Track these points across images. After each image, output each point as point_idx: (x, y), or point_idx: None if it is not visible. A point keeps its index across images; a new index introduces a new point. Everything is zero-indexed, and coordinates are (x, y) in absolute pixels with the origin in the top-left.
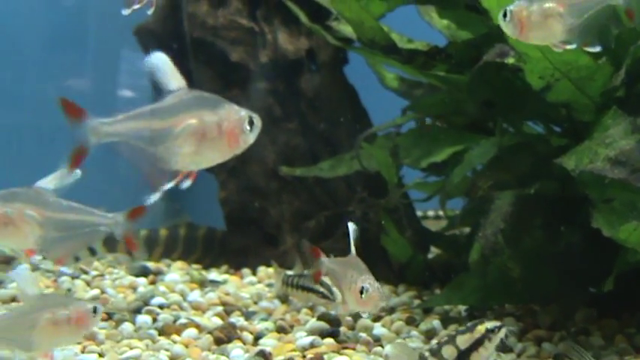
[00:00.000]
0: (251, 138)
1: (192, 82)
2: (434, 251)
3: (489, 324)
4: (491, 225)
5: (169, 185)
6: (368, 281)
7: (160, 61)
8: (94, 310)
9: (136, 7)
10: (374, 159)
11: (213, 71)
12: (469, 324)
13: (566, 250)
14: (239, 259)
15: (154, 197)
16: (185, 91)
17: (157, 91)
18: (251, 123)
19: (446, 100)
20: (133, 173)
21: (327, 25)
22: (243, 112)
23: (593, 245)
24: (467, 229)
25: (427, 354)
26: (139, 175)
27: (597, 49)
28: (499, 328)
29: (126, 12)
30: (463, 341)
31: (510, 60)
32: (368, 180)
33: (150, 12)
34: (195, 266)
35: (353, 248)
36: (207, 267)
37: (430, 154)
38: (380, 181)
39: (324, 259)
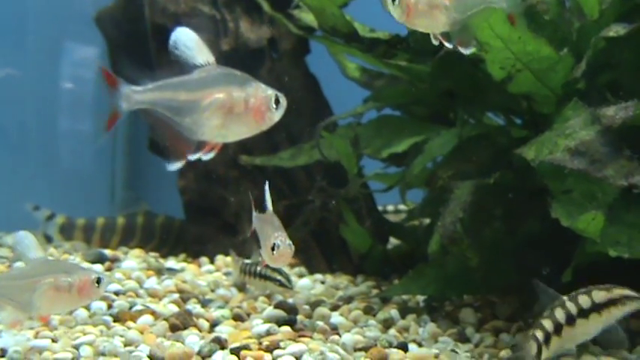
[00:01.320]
0: (276, 116)
1: (152, 68)
2: (393, 242)
3: (627, 291)
4: (450, 214)
5: (195, 156)
6: (279, 238)
7: (187, 36)
8: (98, 281)
9: None
10: (334, 148)
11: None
12: (607, 285)
13: (526, 241)
14: (197, 247)
15: (178, 165)
16: (213, 66)
17: (183, 65)
18: (277, 102)
19: (407, 91)
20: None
21: (289, 14)
22: (270, 91)
23: (553, 237)
24: (426, 221)
25: (565, 298)
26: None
27: (470, 50)
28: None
29: None
30: (599, 296)
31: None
32: (328, 170)
33: None
34: (152, 254)
35: (269, 205)
36: (165, 255)
37: (391, 144)
38: (340, 171)
39: (255, 214)
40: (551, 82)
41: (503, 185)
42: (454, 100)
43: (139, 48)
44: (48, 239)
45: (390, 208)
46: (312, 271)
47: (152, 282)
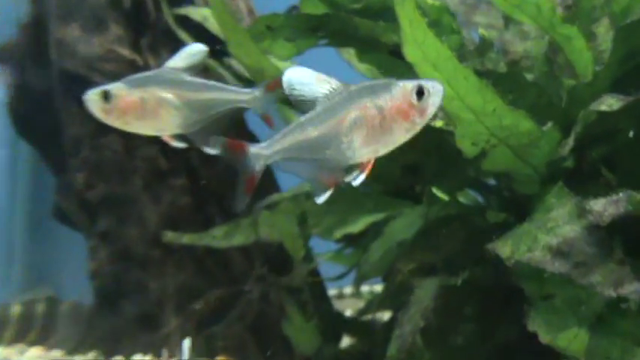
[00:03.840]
0: (427, 107)
1: (59, 122)
2: (347, 340)
3: None
4: (409, 322)
5: (350, 178)
6: None
7: (298, 73)
8: None
9: None
10: (276, 228)
11: (85, 111)
12: None
13: (501, 350)
14: (111, 343)
15: (326, 196)
16: (341, 89)
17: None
18: (420, 92)
19: None
20: None
21: (226, 61)
22: (409, 84)
23: (533, 344)
24: (387, 315)
25: None
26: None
27: (214, 151)
28: None
29: None
30: None
31: (438, 123)
32: (270, 252)
33: None
34: (56, 352)
35: None
36: (70, 352)
37: (345, 222)
38: (284, 255)
39: None
40: (534, 160)
41: (474, 284)
42: (419, 174)
43: (43, 96)
44: None
45: (347, 291)
46: None
47: None
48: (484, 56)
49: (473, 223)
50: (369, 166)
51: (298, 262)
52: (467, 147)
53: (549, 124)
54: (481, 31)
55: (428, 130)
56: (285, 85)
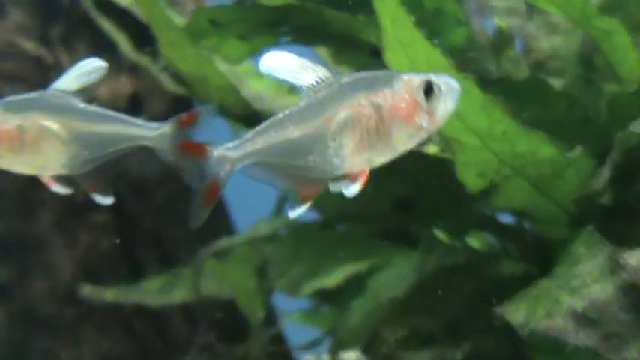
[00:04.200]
0: (437, 108)
1: None
2: None
3: None
4: None
5: (338, 187)
6: None
7: (276, 59)
8: None
9: None
10: (227, 280)
11: None
12: None
13: None
14: None
15: (302, 209)
16: (330, 80)
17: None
18: (428, 89)
19: (340, 198)
20: None
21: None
22: (415, 77)
23: None
24: None
25: None
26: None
27: (108, 201)
28: None
29: None
30: None
31: (432, 149)
32: (219, 312)
33: None
34: None
35: None
36: None
37: (317, 273)
38: (237, 316)
39: None
40: (559, 195)
41: (481, 358)
42: (413, 211)
43: None
44: None
45: (325, 358)
46: None
47: None
48: (501, 54)
49: (483, 276)
50: (365, 176)
51: (256, 325)
52: (471, 179)
53: (577, 150)
54: (497, 21)
55: (421, 157)
56: (264, 67)
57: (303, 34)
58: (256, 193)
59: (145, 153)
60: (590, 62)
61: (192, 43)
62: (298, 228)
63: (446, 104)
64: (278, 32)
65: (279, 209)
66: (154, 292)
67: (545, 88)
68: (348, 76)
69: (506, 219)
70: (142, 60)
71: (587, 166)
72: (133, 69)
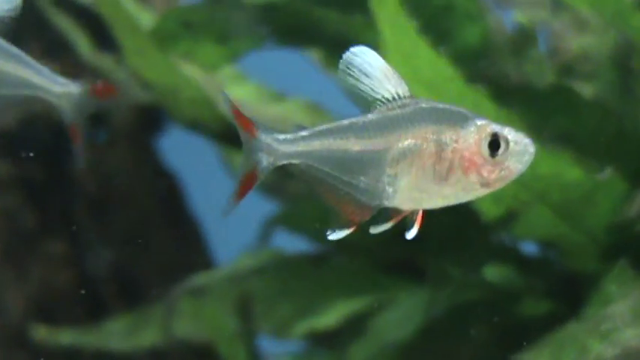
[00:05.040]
0: (503, 166)
1: None
2: None
3: None
4: None
5: (380, 229)
6: None
7: (368, 57)
8: None
9: None
10: (204, 321)
11: None
12: None
13: None
14: None
15: (344, 233)
16: (409, 100)
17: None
18: (495, 144)
19: None
20: None
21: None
22: (486, 127)
23: None
24: None
25: None
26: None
27: None
28: None
29: None
30: None
31: None
32: (194, 357)
33: None
34: None
35: None
36: None
37: (309, 312)
38: None
39: None
40: (588, 223)
41: None
42: (421, 241)
43: None
44: None
45: None
46: None
47: None
48: (522, 56)
49: (501, 316)
50: (420, 218)
51: None
52: (486, 206)
53: (608, 171)
54: (519, 16)
55: None
56: (341, 66)
57: (290, 35)
58: (239, 221)
59: (105, 169)
60: (626, 66)
61: (160, 48)
62: (288, 260)
63: (512, 165)
64: (260, 34)
65: (265, 239)
66: (119, 334)
67: (573, 96)
68: (425, 102)
69: (530, 249)
70: (105, 63)
71: (620, 189)
72: (94, 73)
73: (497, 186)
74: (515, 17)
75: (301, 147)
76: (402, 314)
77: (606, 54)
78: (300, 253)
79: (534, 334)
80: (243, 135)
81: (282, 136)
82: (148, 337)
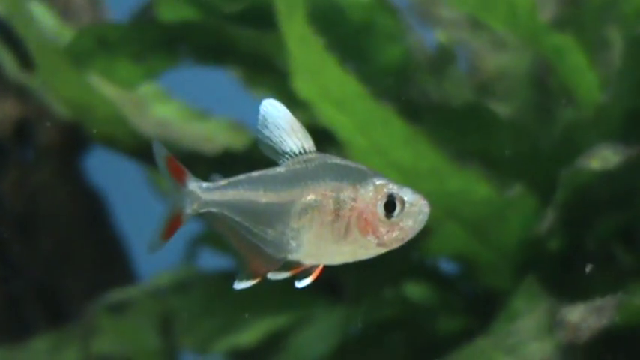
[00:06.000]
0: (396, 230)
1: None
2: None
3: None
4: None
5: (278, 276)
6: None
7: (276, 109)
8: None
9: None
10: (125, 338)
11: None
12: None
13: None
14: None
15: (247, 284)
16: (314, 155)
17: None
18: (391, 205)
19: None
20: None
21: None
22: (383, 188)
23: None
24: None
25: None
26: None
27: None
28: None
29: None
30: None
31: None
32: None
33: None
34: None
35: None
36: None
37: (231, 329)
38: None
39: None
40: (499, 240)
41: None
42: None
43: None
44: None
45: None
46: None
47: None
48: (441, 74)
49: (418, 332)
50: (318, 272)
51: None
52: None
53: (517, 188)
54: (440, 36)
55: None
56: (260, 119)
57: (208, 53)
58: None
59: (31, 189)
60: (542, 84)
61: (75, 66)
62: (209, 277)
63: (408, 226)
64: (177, 52)
65: (190, 257)
66: (43, 352)
67: (487, 115)
68: (329, 157)
69: (448, 267)
70: (31, 82)
71: (530, 206)
72: (20, 92)
73: (394, 245)
74: (436, 37)
75: (217, 196)
76: (321, 331)
77: (522, 73)
78: (221, 270)
79: (448, 349)
80: (173, 183)
81: (205, 185)
82: (70, 355)
